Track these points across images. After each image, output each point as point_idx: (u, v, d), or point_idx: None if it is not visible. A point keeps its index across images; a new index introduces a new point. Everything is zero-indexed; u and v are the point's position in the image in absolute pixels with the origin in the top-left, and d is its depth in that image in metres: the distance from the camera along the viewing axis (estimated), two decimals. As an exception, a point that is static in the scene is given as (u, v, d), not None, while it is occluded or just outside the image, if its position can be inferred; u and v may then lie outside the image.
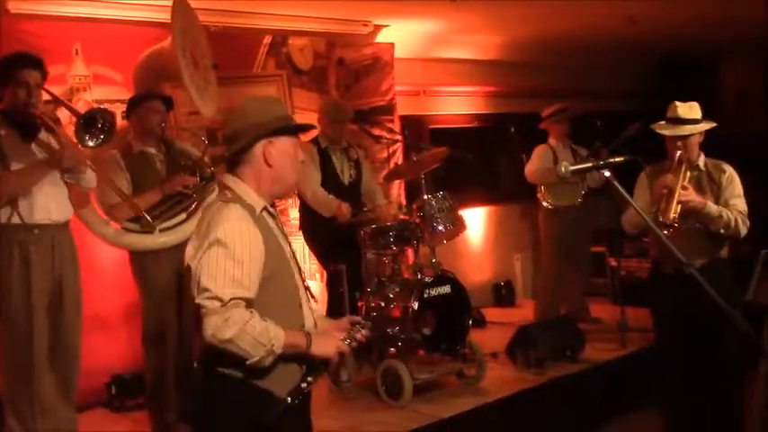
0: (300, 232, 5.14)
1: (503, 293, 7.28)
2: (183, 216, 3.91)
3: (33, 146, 3.50)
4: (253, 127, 2.19)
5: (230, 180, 2.22)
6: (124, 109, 4.15)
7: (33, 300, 3.37)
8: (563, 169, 2.51)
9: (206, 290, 2.05)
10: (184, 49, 3.93)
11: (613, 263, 6.86)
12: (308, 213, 4.99)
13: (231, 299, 2.04)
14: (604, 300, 6.89)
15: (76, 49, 4.61)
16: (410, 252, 5.05)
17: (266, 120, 2.20)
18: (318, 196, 4.80)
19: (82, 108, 4.47)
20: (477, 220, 7.33)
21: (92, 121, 3.43)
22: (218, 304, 2.03)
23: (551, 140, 5.88)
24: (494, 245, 7.52)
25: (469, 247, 7.24)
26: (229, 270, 2.04)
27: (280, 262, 2.18)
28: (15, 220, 3.38)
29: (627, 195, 2.46)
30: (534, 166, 5.81)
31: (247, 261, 2.07)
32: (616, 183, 2.41)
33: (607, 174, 2.47)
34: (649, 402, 4.16)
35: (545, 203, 5.79)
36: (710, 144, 3.84)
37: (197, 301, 2.05)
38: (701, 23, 6.69)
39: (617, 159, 2.51)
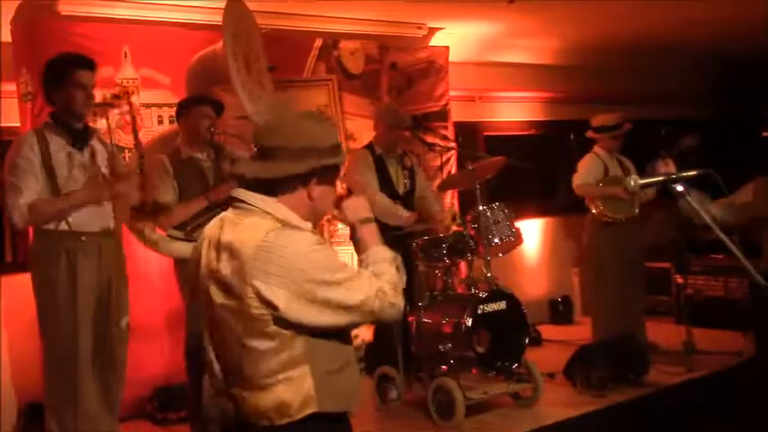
0: (351, 243, 5.12)
1: (560, 310, 7.21)
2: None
3: (81, 155, 3.54)
4: (307, 152, 1.95)
5: (264, 201, 1.97)
6: (172, 113, 4.21)
7: (79, 308, 3.42)
8: (632, 183, 2.46)
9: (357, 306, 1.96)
10: (236, 52, 3.98)
11: (679, 280, 6.73)
12: None
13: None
14: (668, 319, 6.77)
15: (125, 52, 4.71)
16: (463, 265, 5.05)
17: (323, 147, 1.98)
18: (384, 203, 4.79)
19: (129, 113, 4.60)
20: (532, 232, 7.28)
21: None
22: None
23: (599, 150, 5.74)
24: (550, 258, 7.47)
25: (525, 261, 7.20)
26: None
27: None
28: (63, 226, 3.44)
29: (704, 213, 2.40)
30: (584, 178, 5.66)
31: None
32: (690, 199, 2.36)
33: (680, 188, 2.42)
34: (720, 429, 4.06)
35: (602, 217, 5.66)
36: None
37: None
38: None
39: (690, 173, 2.46)
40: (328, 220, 5.52)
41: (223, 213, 2.01)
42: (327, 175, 2.01)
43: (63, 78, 3.44)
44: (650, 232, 6.14)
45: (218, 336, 1.95)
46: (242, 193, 1.99)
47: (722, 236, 2.53)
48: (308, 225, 2.01)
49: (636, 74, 7.82)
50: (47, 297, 3.44)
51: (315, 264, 1.89)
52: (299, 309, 1.88)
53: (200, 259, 2.00)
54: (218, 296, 1.93)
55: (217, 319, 1.95)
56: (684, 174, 2.47)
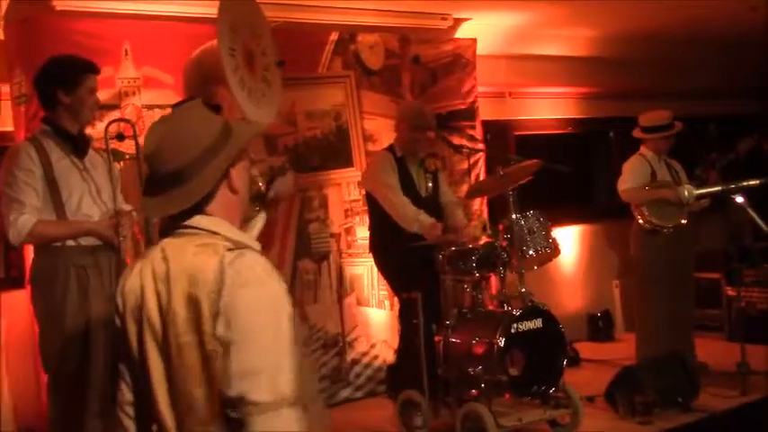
0: (370, 254, 5.14)
1: (599, 326, 7.18)
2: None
3: (81, 164, 3.56)
4: (214, 148, 1.89)
5: (206, 220, 1.90)
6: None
7: (91, 332, 3.38)
8: (686, 193, 2.50)
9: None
10: (234, 48, 3.94)
11: (731, 292, 6.69)
12: (379, 232, 5.00)
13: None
14: (719, 335, 6.74)
15: (126, 50, 4.72)
16: (494, 279, 5.04)
17: (220, 131, 1.92)
18: (408, 208, 4.78)
19: (131, 114, 4.61)
20: (569, 241, 7.25)
21: None
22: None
23: (646, 152, 5.68)
24: (588, 269, 7.44)
25: (561, 273, 7.17)
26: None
27: None
28: (70, 242, 3.44)
29: (764, 225, 2.37)
30: (630, 182, 5.59)
31: None
32: (752, 212, 2.34)
33: (740, 200, 2.39)
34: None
35: (647, 224, 5.60)
36: None
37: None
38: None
39: (751, 183, 2.44)
40: (346, 230, 5.53)
41: (162, 242, 1.91)
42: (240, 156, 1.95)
43: (75, 83, 3.47)
44: (699, 240, 6.08)
45: (173, 382, 1.83)
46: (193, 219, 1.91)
47: None
48: (257, 245, 1.95)
49: (682, 66, 7.76)
50: (52, 319, 3.39)
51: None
52: None
53: (129, 297, 1.90)
54: (174, 334, 1.82)
55: (172, 362, 1.83)
56: (744, 183, 2.46)
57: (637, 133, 5.70)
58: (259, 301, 1.79)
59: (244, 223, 2.57)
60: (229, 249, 1.83)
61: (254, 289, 1.79)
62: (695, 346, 5.74)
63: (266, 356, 1.75)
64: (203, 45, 4.38)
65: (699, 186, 5.52)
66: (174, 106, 2.05)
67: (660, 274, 5.63)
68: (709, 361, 5.78)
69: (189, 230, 1.90)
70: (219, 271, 1.79)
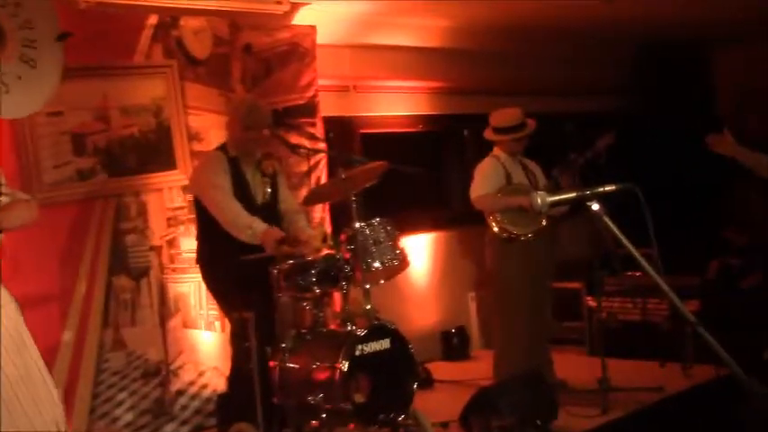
0: (197, 269, 5.06)
1: (454, 343, 7.26)
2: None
3: None
4: None
5: None
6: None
7: None
8: (539, 201, 2.49)
9: None
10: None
11: (592, 303, 6.92)
12: (208, 243, 4.94)
13: None
14: (579, 349, 6.95)
15: None
16: (337, 296, 5.06)
17: None
18: (239, 214, 4.71)
19: None
20: (420, 250, 7.32)
21: None
22: None
23: (499, 153, 5.80)
24: (442, 281, 7.51)
25: (411, 286, 7.20)
26: None
27: None
28: None
29: (624, 239, 2.43)
30: (482, 188, 5.68)
31: None
32: (608, 220, 2.39)
33: (596, 207, 2.45)
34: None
35: (502, 233, 5.71)
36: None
37: None
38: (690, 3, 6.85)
39: (608, 188, 2.50)
40: (169, 242, 5.38)
41: None
42: None
43: None
44: (558, 248, 6.27)
45: None
46: None
47: (640, 259, 2.57)
48: None
49: (540, 60, 8.01)
50: None
51: None
52: None
53: None
54: None
55: None
56: (600, 189, 2.51)
57: (488, 134, 5.81)
58: None
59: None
60: None
61: None
62: (554, 361, 5.93)
63: None
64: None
65: (554, 190, 5.70)
66: None
67: (517, 286, 5.75)
68: (570, 377, 5.98)
69: None
70: None
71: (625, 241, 2.54)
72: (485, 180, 5.69)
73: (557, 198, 2.53)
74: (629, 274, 6.75)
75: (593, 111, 8.45)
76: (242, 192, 4.86)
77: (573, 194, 2.56)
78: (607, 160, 5.76)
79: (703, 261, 7.29)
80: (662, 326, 6.62)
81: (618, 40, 8.10)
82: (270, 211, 4.96)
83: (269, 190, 5.01)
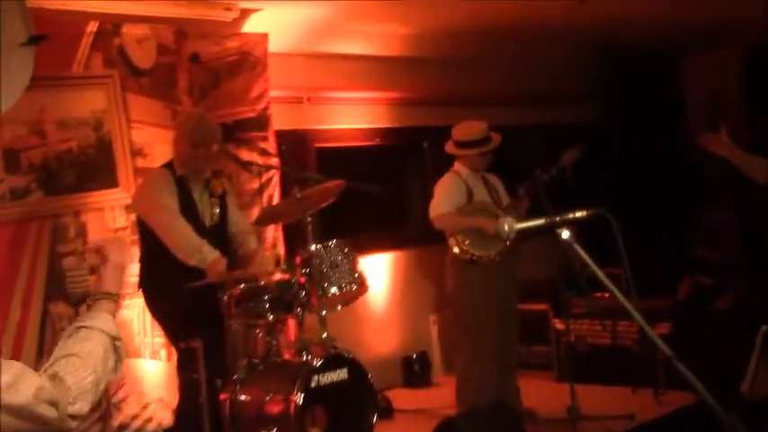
0: (141, 294, 5.03)
1: (415, 369, 7.27)
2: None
3: None
4: None
5: None
6: None
7: None
8: (506, 227, 2.50)
9: None
10: None
11: (559, 325, 6.95)
12: (152, 266, 4.91)
13: None
14: (546, 374, 6.97)
15: None
16: (292, 323, 5.06)
17: None
18: (188, 237, 4.71)
19: None
20: (379, 271, 7.30)
21: None
22: None
23: (461, 168, 5.81)
24: (402, 304, 7.51)
25: (370, 310, 7.19)
26: None
27: None
28: None
29: (595, 267, 2.43)
30: (443, 206, 5.69)
31: None
32: (579, 248, 2.39)
33: (566, 235, 2.45)
34: None
35: (464, 254, 5.70)
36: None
37: None
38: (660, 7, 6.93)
39: (578, 215, 2.51)
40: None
41: None
42: None
43: None
44: (523, 267, 6.28)
45: None
46: None
47: (615, 291, 2.58)
48: None
49: (506, 69, 8.04)
50: None
51: None
52: None
53: None
54: None
55: None
56: (571, 215, 2.52)
57: (450, 148, 5.81)
58: None
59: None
60: None
61: None
62: (520, 388, 5.93)
63: None
64: None
65: (518, 207, 5.73)
66: None
67: (480, 308, 5.77)
68: (538, 405, 5.99)
69: None
70: None
71: (597, 269, 2.55)
72: (445, 198, 5.70)
73: (524, 225, 2.54)
74: (598, 294, 6.76)
75: (560, 121, 8.51)
76: (190, 213, 4.83)
77: (541, 221, 2.58)
78: (574, 174, 5.80)
79: (674, 280, 7.35)
80: (633, 349, 6.66)
81: (585, 46, 8.16)
82: (219, 234, 4.95)
83: (218, 210, 5.00)
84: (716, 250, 7.50)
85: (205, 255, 4.65)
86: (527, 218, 4.87)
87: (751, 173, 4.65)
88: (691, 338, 6.43)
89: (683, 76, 9.16)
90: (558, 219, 2.51)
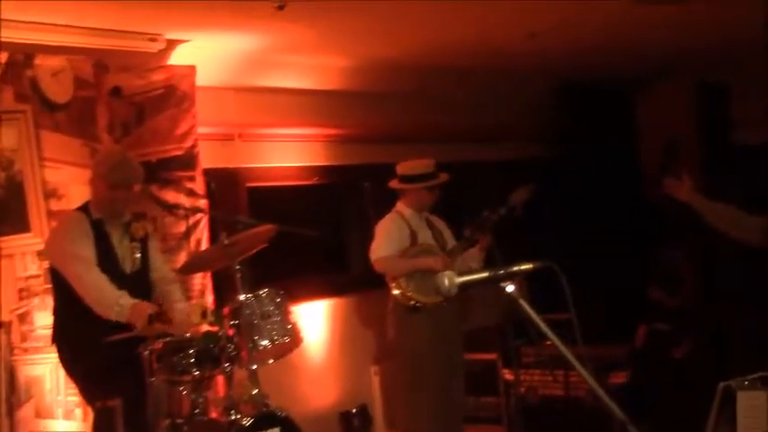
0: (54, 349, 4.93)
1: (355, 425, 7.24)
2: None
3: None
4: None
5: None
6: None
7: None
8: (446, 283, 2.49)
9: None
10: None
11: (509, 376, 6.95)
12: (66, 319, 4.82)
13: None
14: (496, 428, 6.99)
15: None
16: (220, 379, 5.01)
17: None
18: (105, 290, 4.62)
19: None
20: (316, 320, 7.30)
21: None
22: None
23: (404, 208, 5.85)
24: (341, 354, 7.50)
25: (306, 360, 7.15)
26: None
27: None
28: None
29: (539, 321, 2.42)
30: (384, 249, 5.72)
31: None
32: (524, 304, 2.39)
33: (511, 289, 2.45)
34: None
35: (406, 300, 5.70)
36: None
37: None
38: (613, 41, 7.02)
39: (523, 267, 2.52)
40: (20, 317, 5.21)
41: None
42: None
43: None
44: (469, 314, 6.28)
45: None
46: None
47: (557, 342, 2.58)
48: None
49: (454, 104, 8.11)
50: None
51: None
52: None
53: None
54: None
55: None
56: (517, 268, 2.53)
57: (394, 184, 5.85)
58: None
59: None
60: None
61: None
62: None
63: None
64: None
65: (465, 250, 5.74)
66: None
67: (424, 358, 5.79)
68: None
69: None
70: None
71: (542, 325, 2.56)
72: (387, 240, 5.74)
73: (467, 279, 2.54)
74: (549, 343, 6.73)
75: (511, 158, 8.59)
76: (107, 260, 4.76)
77: (485, 274, 2.61)
78: (524, 214, 5.84)
79: (630, 326, 7.39)
80: (587, 401, 6.66)
81: (537, 80, 8.25)
82: (140, 282, 4.89)
83: (139, 256, 4.93)
84: (672, 294, 7.56)
85: (123, 306, 4.56)
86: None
87: (714, 221, 4.70)
88: (648, 388, 6.47)
89: (637, 111, 9.33)
90: (502, 272, 2.52)
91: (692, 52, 7.50)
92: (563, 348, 2.52)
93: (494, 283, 2.51)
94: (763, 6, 5.84)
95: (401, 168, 5.85)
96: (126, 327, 4.51)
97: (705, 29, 6.87)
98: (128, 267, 4.88)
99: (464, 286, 2.54)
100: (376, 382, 7.55)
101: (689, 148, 8.73)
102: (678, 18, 6.43)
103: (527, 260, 2.64)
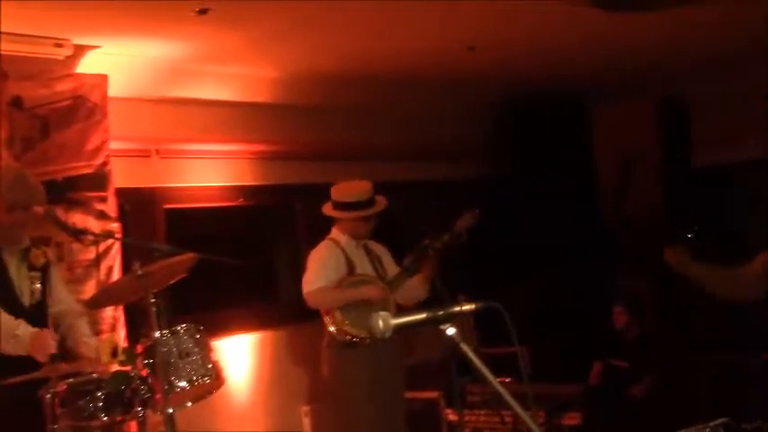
0: None
1: (285, 470, 7.18)
2: None
3: None
4: None
5: None
6: None
7: None
8: (381, 324, 2.46)
9: None
10: None
11: (452, 416, 6.96)
12: None
13: None
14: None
15: None
16: (132, 425, 4.98)
17: None
18: (2, 322, 4.50)
19: None
20: (242, 356, 7.29)
21: None
22: None
23: (339, 235, 5.84)
24: (269, 393, 7.50)
25: (231, 400, 7.13)
26: None
27: None
28: None
29: (481, 365, 2.40)
30: (317, 281, 5.70)
31: None
32: (467, 348, 2.36)
33: (451, 332, 2.42)
34: None
35: (342, 336, 5.68)
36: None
37: None
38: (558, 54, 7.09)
39: (465, 308, 2.49)
40: None
41: None
42: None
43: None
44: (409, 349, 6.27)
45: None
46: None
47: (492, 379, 2.57)
48: None
49: (392, 119, 8.14)
50: None
51: None
52: None
53: None
54: None
55: None
56: (458, 308, 2.50)
57: (327, 210, 5.82)
58: None
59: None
60: None
61: None
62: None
63: None
64: None
65: (407, 279, 5.72)
66: None
67: (361, 397, 5.81)
68: None
69: None
70: None
71: (485, 371, 2.54)
72: (321, 270, 5.73)
73: (403, 321, 2.51)
74: (499, 379, 6.77)
75: (453, 177, 8.62)
76: (4, 291, 4.64)
77: (423, 316, 2.57)
78: (469, 240, 5.84)
79: (586, 362, 7.42)
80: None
81: (482, 95, 8.30)
82: (40, 315, 4.75)
83: (39, 287, 4.80)
84: (633, 321, 7.59)
85: (20, 336, 4.47)
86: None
87: (715, 290, 4.70)
88: (603, 431, 6.48)
89: (593, 129, 9.38)
90: (441, 313, 2.49)
91: (652, 67, 7.58)
92: (503, 391, 2.50)
93: (433, 326, 2.48)
94: (721, 25, 5.94)
95: (335, 193, 5.82)
96: (25, 364, 4.39)
97: (663, 43, 6.97)
98: (26, 299, 4.73)
99: (400, 328, 2.51)
100: (307, 423, 7.56)
101: (649, 166, 8.80)
102: (632, 30, 6.53)
103: (471, 293, 2.63)
